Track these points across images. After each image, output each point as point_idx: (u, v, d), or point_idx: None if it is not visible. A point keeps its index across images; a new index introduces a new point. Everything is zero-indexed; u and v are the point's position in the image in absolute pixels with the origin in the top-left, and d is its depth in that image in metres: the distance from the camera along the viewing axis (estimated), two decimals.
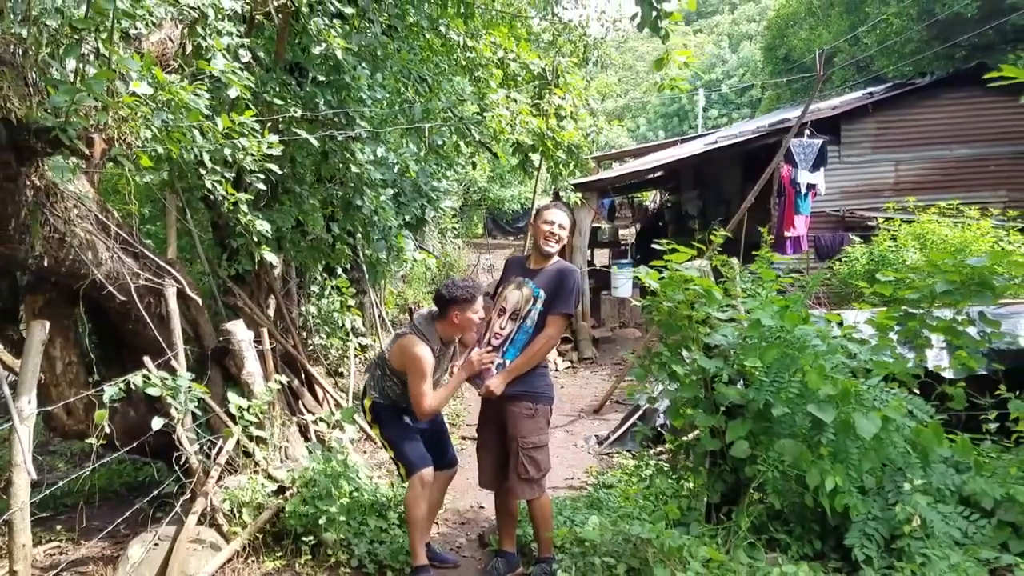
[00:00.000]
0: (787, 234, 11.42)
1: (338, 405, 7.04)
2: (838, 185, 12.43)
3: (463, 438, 7.52)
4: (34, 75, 3.59)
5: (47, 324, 3.73)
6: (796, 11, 30.74)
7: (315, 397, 7.19)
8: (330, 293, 9.35)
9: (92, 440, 4.23)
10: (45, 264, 4.27)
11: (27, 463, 3.47)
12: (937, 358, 5.08)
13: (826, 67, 25.56)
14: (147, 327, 5.01)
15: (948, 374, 4.84)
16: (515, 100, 8.40)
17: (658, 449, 6.61)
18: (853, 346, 4.22)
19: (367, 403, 4.41)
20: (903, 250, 9.06)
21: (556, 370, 11.53)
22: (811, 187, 11.27)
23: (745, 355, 4.12)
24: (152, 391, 4.41)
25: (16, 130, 3.54)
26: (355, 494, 4.74)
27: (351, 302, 9.45)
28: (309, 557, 4.38)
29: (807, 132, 11.39)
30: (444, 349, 4.32)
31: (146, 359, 4.64)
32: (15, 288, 5.10)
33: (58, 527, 5.32)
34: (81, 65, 3.65)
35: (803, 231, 11.49)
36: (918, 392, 4.42)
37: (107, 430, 4.28)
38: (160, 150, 4.02)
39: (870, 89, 14.99)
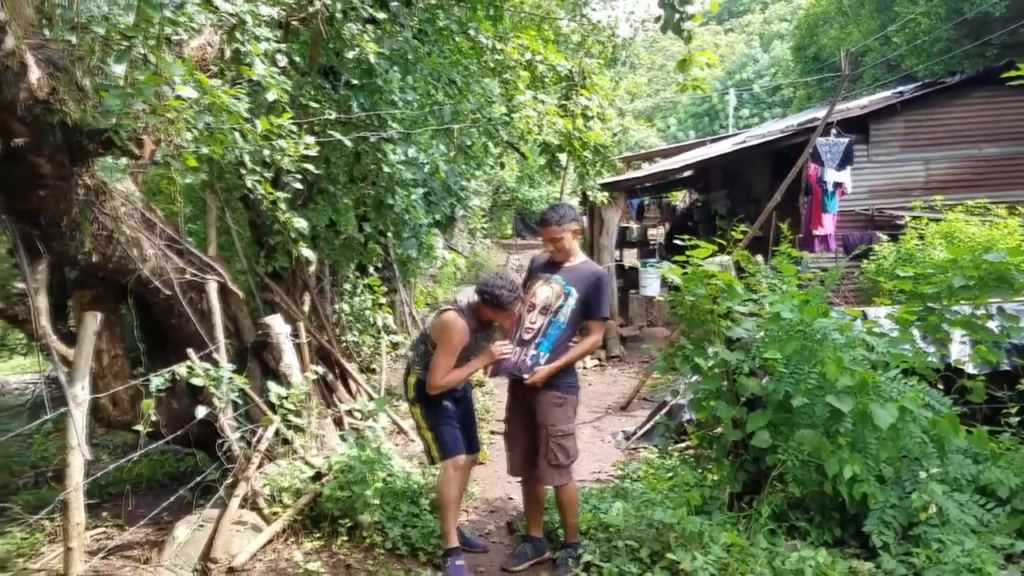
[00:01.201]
0: (815, 232, 11.44)
1: (370, 398, 7.23)
2: (867, 184, 12.40)
3: (492, 432, 7.67)
4: (85, 80, 3.79)
5: (99, 315, 3.94)
6: (826, 10, 30.56)
7: (348, 390, 7.39)
8: (362, 291, 9.53)
9: (140, 428, 4.44)
10: (94, 260, 4.47)
11: (81, 445, 3.67)
12: (960, 352, 5.14)
13: (856, 66, 25.43)
14: (189, 322, 5.22)
15: (970, 368, 4.91)
16: (542, 101, 8.55)
17: (683, 445, 6.71)
18: (872, 339, 4.31)
19: (412, 380, 4.50)
20: (930, 248, 9.07)
21: (584, 368, 11.65)
22: (838, 185, 11.28)
23: (766, 348, 4.23)
24: (196, 381, 4.62)
25: (70, 132, 3.74)
26: (388, 479, 4.92)
27: (382, 300, 9.64)
28: (346, 539, 4.55)
29: (833, 131, 11.41)
30: (483, 331, 4.41)
31: (190, 351, 4.84)
32: (63, 284, 5.33)
33: (104, 514, 5.51)
34: (130, 70, 3.84)
35: (831, 230, 11.51)
36: (940, 385, 4.51)
37: (153, 418, 4.49)
38: (205, 151, 4.20)
39: (900, 88, 14.92)
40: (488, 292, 4.20)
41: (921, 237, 9.63)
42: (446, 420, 4.45)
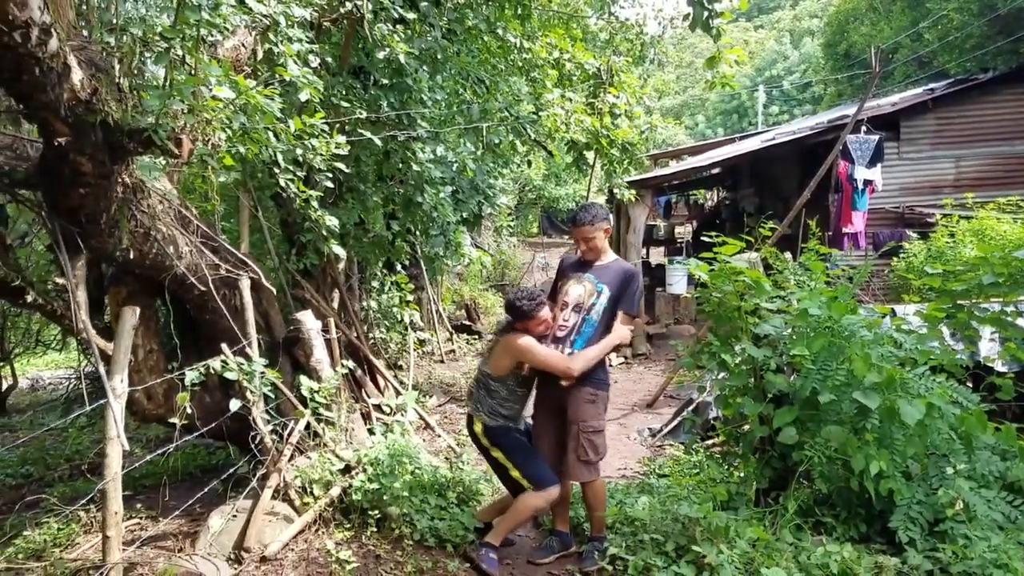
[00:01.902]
0: (845, 230, 11.39)
1: (398, 394, 7.31)
2: (897, 182, 12.32)
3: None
4: (124, 80, 3.88)
5: (137, 310, 4.04)
6: (857, 7, 30.18)
7: (376, 386, 7.47)
8: (389, 288, 9.63)
9: (175, 420, 4.54)
10: (131, 257, 4.55)
11: (121, 436, 3.77)
12: (989, 350, 5.12)
13: (887, 63, 25.17)
14: (223, 317, 5.31)
15: (999, 365, 4.88)
16: (570, 99, 8.59)
17: (710, 441, 6.72)
18: (900, 336, 4.31)
19: (478, 428, 4.53)
20: (961, 246, 9.01)
21: (611, 366, 11.65)
22: (868, 183, 11.22)
23: (793, 344, 4.24)
24: (230, 375, 4.71)
25: (110, 131, 3.83)
26: (416, 473, 4.99)
27: (409, 297, 9.72)
28: (375, 530, 4.62)
29: (863, 128, 11.34)
30: None
31: (223, 346, 4.93)
32: (100, 280, 5.45)
33: (138, 506, 5.61)
34: (169, 70, 3.93)
35: (861, 227, 11.45)
36: (969, 382, 4.49)
37: (188, 411, 4.59)
38: (242, 150, 4.29)
39: (931, 85, 14.78)
40: (510, 308, 4.33)
41: (952, 235, 9.56)
42: (532, 454, 4.47)
